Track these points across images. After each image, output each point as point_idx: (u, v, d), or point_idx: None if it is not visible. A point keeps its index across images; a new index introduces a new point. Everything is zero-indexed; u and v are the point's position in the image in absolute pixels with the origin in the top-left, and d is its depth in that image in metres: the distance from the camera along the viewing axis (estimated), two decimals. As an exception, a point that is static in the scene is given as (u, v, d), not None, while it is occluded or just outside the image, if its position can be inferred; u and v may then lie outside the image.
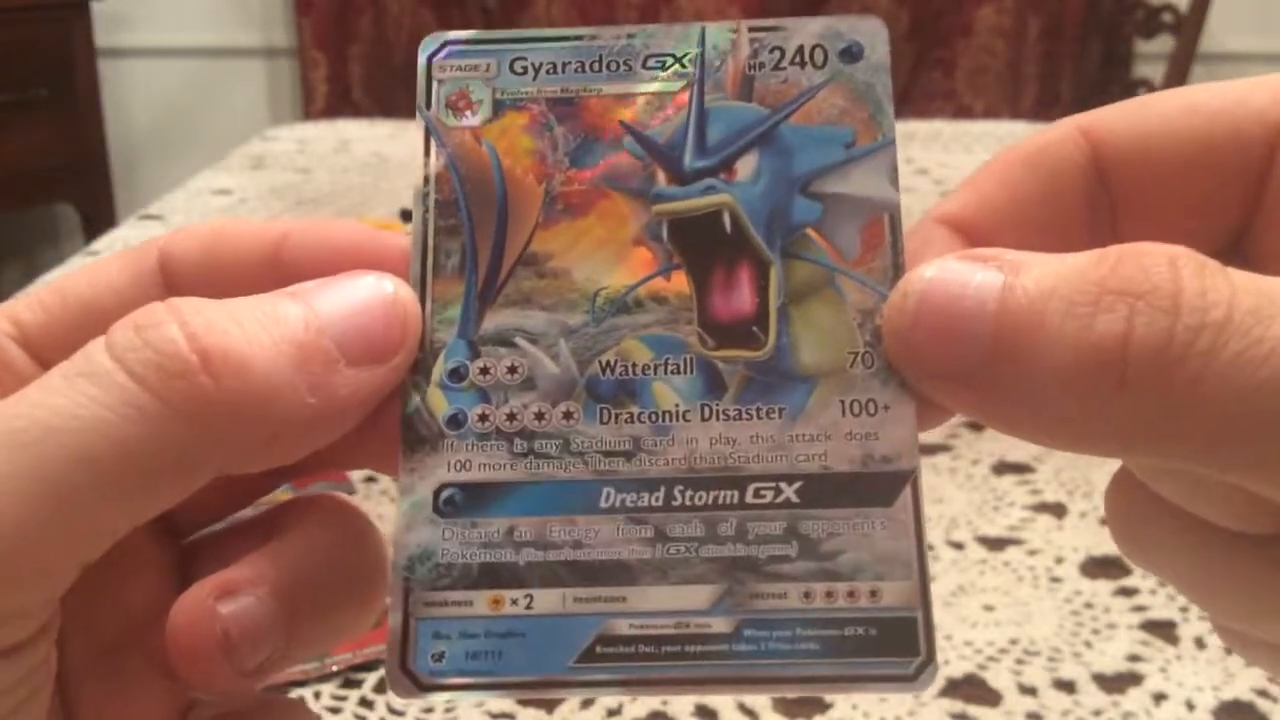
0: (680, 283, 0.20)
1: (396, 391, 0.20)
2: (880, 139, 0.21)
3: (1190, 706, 0.45)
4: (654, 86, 0.21)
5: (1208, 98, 0.20)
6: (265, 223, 0.22)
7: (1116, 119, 0.21)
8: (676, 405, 0.19)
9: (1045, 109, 2.26)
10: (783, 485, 0.19)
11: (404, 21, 2.33)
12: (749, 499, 0.19)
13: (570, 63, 0.21)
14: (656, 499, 0.19)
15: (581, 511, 0.19)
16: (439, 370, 0.20)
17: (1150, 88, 2.18)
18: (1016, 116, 2.12)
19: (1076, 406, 0.17)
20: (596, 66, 0.21)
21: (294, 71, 2.43)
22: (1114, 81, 2.28)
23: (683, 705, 0.44)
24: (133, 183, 2.39)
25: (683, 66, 0.21)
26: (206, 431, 0.18)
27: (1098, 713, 0.45)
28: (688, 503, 0.19)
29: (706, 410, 0.19)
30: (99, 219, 2.12)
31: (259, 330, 0.18)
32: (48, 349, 0.20)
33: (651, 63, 0.21)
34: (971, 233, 0.21)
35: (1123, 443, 0.17)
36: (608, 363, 0.20)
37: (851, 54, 0.21)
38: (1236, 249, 0.21)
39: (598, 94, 0.21)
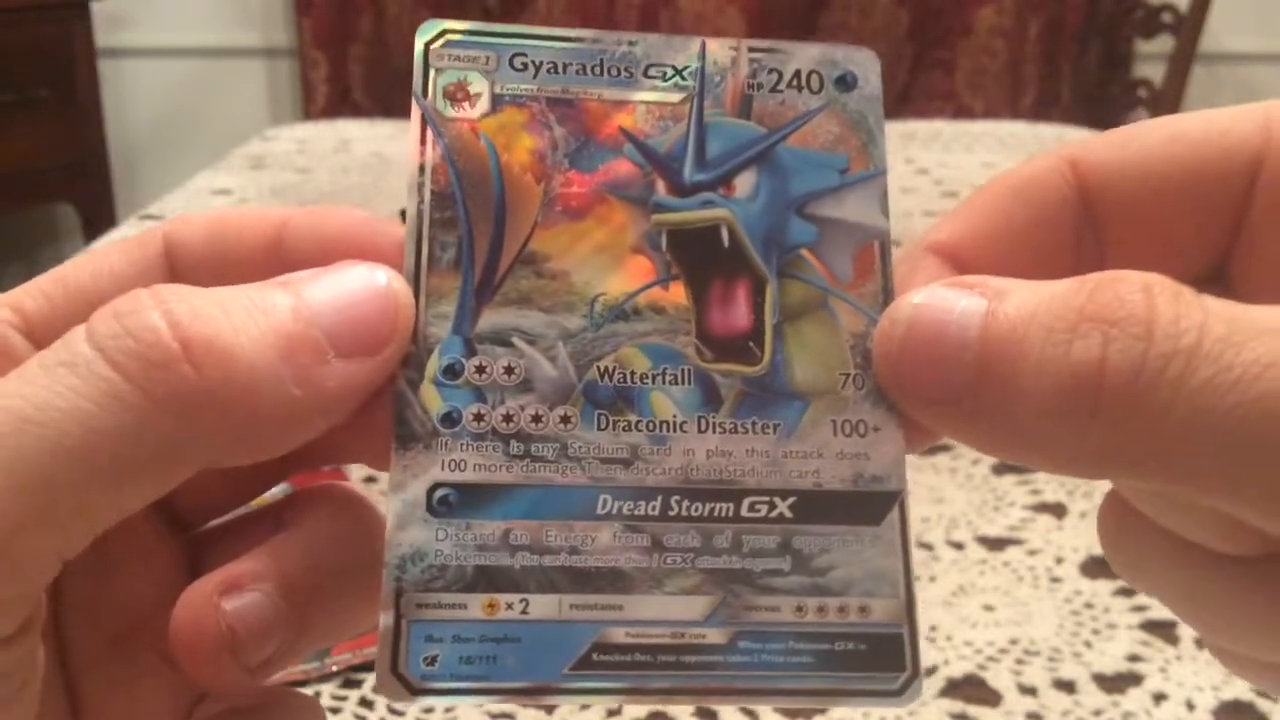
0: (678, 293, 0.20)
1: (388, 386, 0.20)
2: (872, 168, 0.21)
3: (1190, 706, 0.45)
4: (654, 96, 0.21)
5: (1192, 126, 0.21)
6: (268, 209, 0.22)
7: (1103, 149, 0.21)
8: (674, 416, 0.19)
9: (1045, 109, 2.26)
10: (777, 500, 0.19)
11: (404, 21, 2.33)
12: (744, 512, 0.19)
13: (571, 64, 0.21)
14: (653, 508, 0.19)
15: (578, 517, 0.19)
16: (433, 366, 0.20)
17: (1150, 88, 2.18)
18: (1016, 116, 2.12)
19: (1055, 431, 0.17)
20: (598, 70, 0.21)
21: (294, 71, 2.43)
22: (1114, 81, 2.28)
23: (683, 706, 0.43)
24: (133, 183, 2.39)
25: (683, 79, 0.21)
26: (188, 423, 0.17)
27: (1098, 713, 0.45)
28: (684, 513, 0.19)
29: (703, 422, 0.19)
30: (99, 219, 2.12)
31: (246, 319, 0.18)
32: (50, 337, 0.20)
33: (652, 72, 0.21)
34: (960, 261, 0.21)
35: (1100, 467, 0.18)
36: (606, 369, 0.20)
37: (846, 83, 0.21)
38: (1220, 276, 0.21)
39: (598, 98, 0.21)
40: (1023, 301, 0.18)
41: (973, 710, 0.45)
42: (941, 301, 0.19)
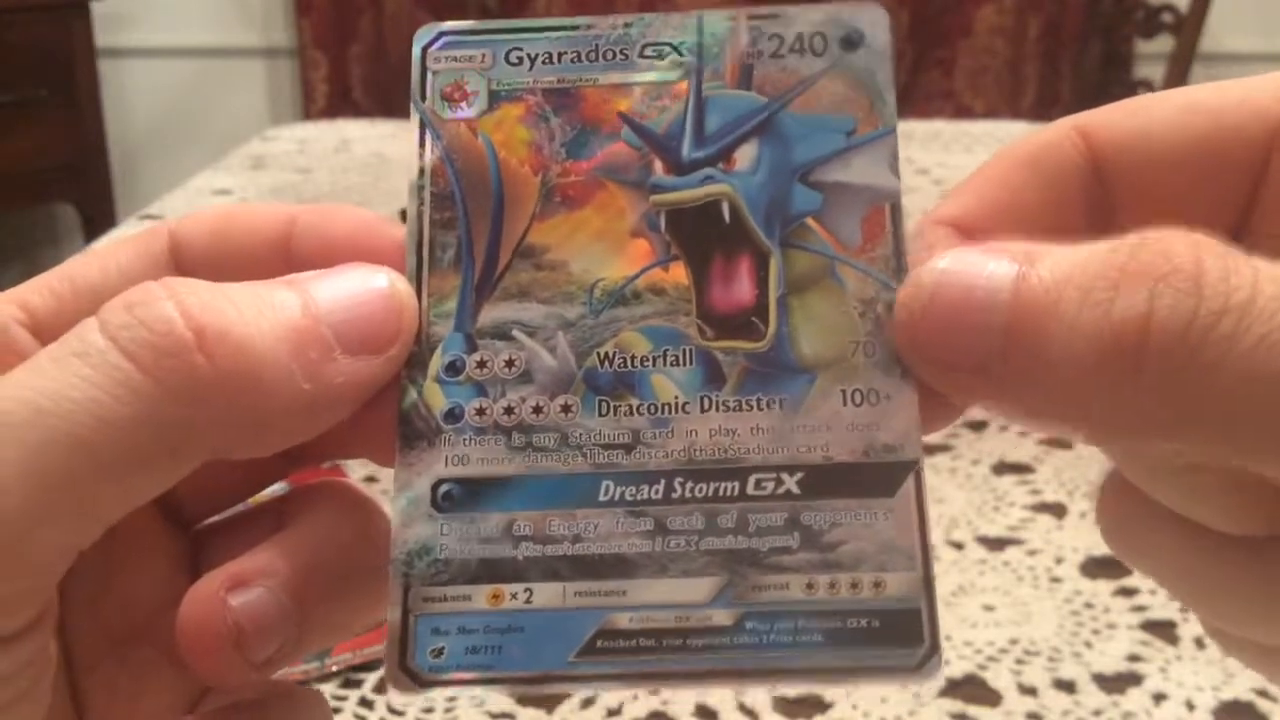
0: (679, 274, 0.20)
1: (393, 384, 0.20)
2: (881, 127, 0.21)
3: (1190, 706, 0.45)
4: (651, 76, 0.21)
5: (1207, 96, 0.20)
6: (274, 207, 0.22)
7: (1115, 118, 0.21)
8: (676, 397, 0.19)
9: (1045, 109, 2.26)
10: (784, 476, 0.19)
11: (404, 21, 2.33)
12: (750, 490, 0.19)
13: (567, 53, 0.21)
14: (656, 491, 0.19)
15: (580, 505, 0.19)
16: (436, 364, 0.20)
17: (1150, 88, 2.18)
18: (1016, 116, 2.12)
19: (1092, 393, 0.17)
20: (593, 56, 0.21)
21: (294, 71, 2.43)
22: (1114, 82, 2.27)
23: (683, 705, 0.43)
24: (133, 183, 2.39)
25: (680, 55, 0.21)
26: (200, 412, 0.17)
27: (1098, 713, 0.45)
28: (687, 495, 0.19)
29: (706, 402, 0.19)
30: (99, 219, 2.11)
31: (256, 313, 0.18)
32: (57, 334, 0.20)
33: (649, 52, 0.21)
34: (971, 234, 0.21)
35: (1139, 431, 0.17)
36: (606, 355, 0.19)
37: (852, 41, 0.21)
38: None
39: (594, 84, 0.21)
40: (1056, 264, 0.17)
41: (973, 710, 0.45)
42: (968, 266, 0.18)
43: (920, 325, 0.18)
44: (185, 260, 0.21)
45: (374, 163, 1.31)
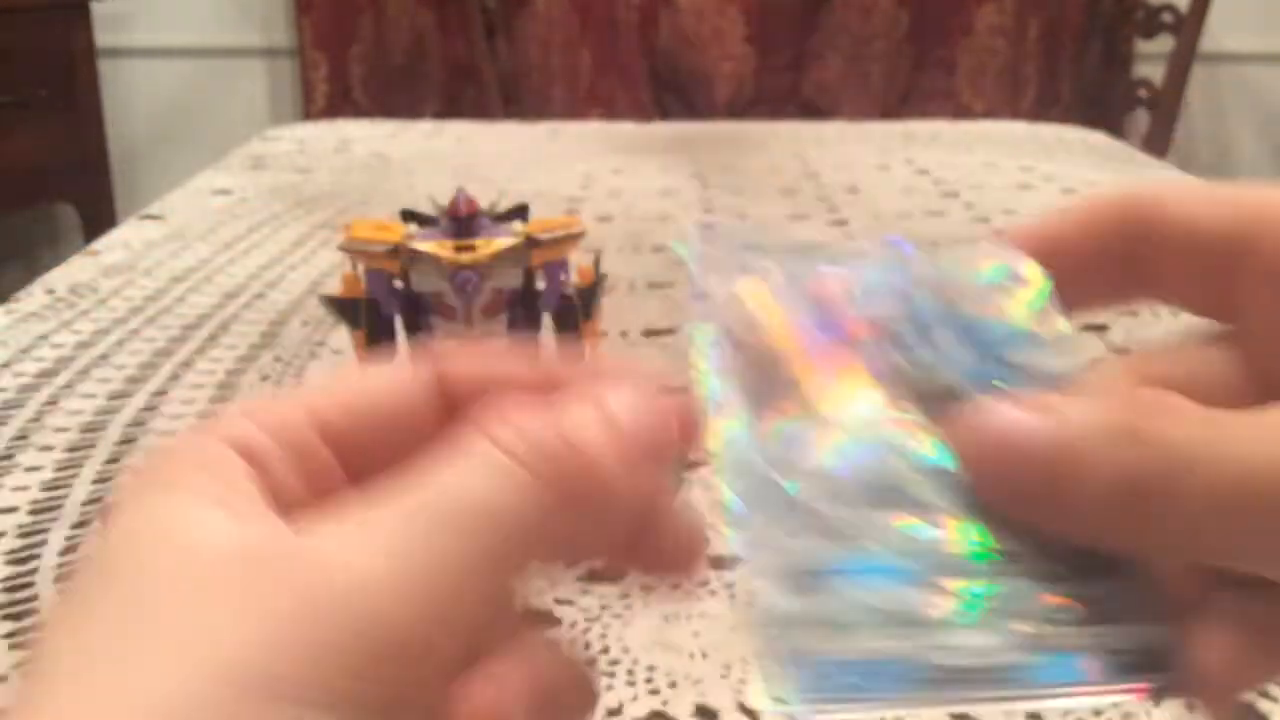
0: (927, 432, 0.24)
1: (670, 496, 0.24)
2: (1059, 334, 0.26)
3: (1190, 706, 0.45)
4: (871, 277, 0.27)
5: (1239, 191, 0.24)
6: (539, 359, 0.25)
7: (1171, 191, 0.25)
8: (951, 520, 0.24)
9: (1045, 109, 2.26)
10: (1050, 564, 0.23)
11: (404, 21, 2.33)
12: (1024, 572, 0.23)
13: (805, 252, 0.27)
14: (948, 578, 0.23)
15: (889, 580, 0.23)
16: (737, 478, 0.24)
17: (1150, 88, 2.19)
18: (1016, 116, 2.12)
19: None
20: (828, 258, 0.27)
21: (294, 71, 2.43)
22: (1114, 81, 2.28)
23: (683, 706, 0.44)
24: (133, 183, 2.39)
25: (897, 266, 0.27)
26: (574, 524, 0.21)
27: (1098, 713, 0.45)
28: (968, 571, 0.23)
29: (965, 514, 0.24)
30: (99, 219, 2.12)
31: (623, 440, 0.22)
32: (354, 449, 0.23)
33: (867, 260, 0.27)
34: (1039, 255, 0.26)
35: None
36: (885, 487, 0.24)
37: (1016, 279, 0.27)
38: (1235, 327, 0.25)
39: (829, 276, 0.27)
40: (1079, 415, 0.22)
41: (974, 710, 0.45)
42: (1009, 421, 0.22)
43: (975, 468, 0.23)
44: (453, 392, 0.24)
45: (374, 163, 1.31)
